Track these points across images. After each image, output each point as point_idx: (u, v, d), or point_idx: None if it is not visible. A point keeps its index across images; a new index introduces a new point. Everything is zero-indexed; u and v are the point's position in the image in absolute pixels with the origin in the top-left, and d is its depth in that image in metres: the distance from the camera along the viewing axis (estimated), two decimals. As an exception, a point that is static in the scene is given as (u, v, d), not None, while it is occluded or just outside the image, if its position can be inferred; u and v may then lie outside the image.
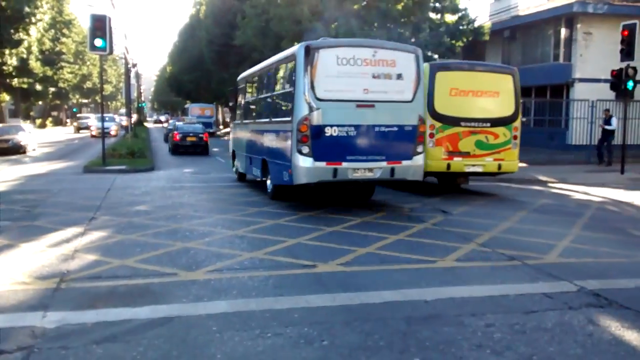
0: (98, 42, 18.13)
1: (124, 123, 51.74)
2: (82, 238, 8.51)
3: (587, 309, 5.56)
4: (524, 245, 8.36)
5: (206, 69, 51.31)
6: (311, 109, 10.27)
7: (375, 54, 10.75)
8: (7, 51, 41.71)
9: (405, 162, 11.01)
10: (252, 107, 14.76)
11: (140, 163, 20.48)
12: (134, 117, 48.66)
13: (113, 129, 44.48)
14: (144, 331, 4.87)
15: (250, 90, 15.25)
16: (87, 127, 51.99)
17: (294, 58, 10.77)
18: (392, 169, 10.87)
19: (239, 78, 16.76)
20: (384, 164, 10.77)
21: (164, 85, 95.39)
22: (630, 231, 9.82)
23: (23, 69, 46.53)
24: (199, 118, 42.85)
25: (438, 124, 13.28)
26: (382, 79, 10.77)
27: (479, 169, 13.55)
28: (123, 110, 78.94)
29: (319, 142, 10.36)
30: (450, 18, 25.47)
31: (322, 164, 10.44)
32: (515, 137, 13.73)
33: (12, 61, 43.42)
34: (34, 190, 13.87)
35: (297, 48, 10.83)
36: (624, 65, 17.51)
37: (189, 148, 27.63)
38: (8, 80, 48.11)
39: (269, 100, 13.08)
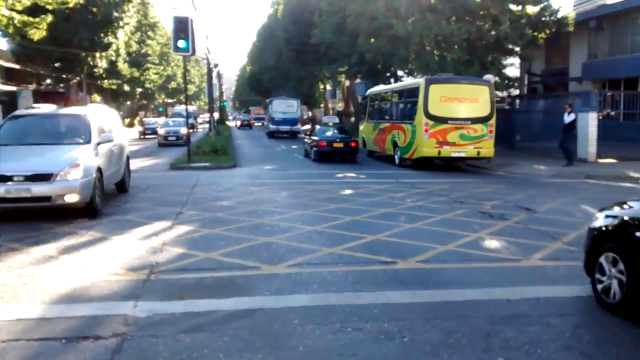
0: (181, 43, 18.77)
1: (183, 130, 31.46)
2: (169, 232, 8.89)
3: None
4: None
5: (284, 68, 52.04)
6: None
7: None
8: (97, 54, 44.01)
9: (294, 127, 41.24)
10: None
11: (223, 160, 21.06)
12: (216, 115, 49.82)
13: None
14: (229, 322, 5.04)
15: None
16: None
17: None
18: (291, 128, 41.16)
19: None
20: (288, 127, 41.04)
21: (244, 85, 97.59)
22: None
23: (112, 70, 48.87)
24: (257, 115, 69.03)
25: (431, 122, 18.16)
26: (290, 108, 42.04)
27: (462, 155, 18.49)
28: (177, 111, 56.53)
29: None
30: (532, 9, 24.45)
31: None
32: (490, 131, 18.37)
33: (102, 63, 45.76)
34: (124, 186, 14.54)
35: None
36: None
37: (245, 127, 61.95)
38: (99, 82, 50.79)
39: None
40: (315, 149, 21.93)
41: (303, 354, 4.39)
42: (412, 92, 19.65)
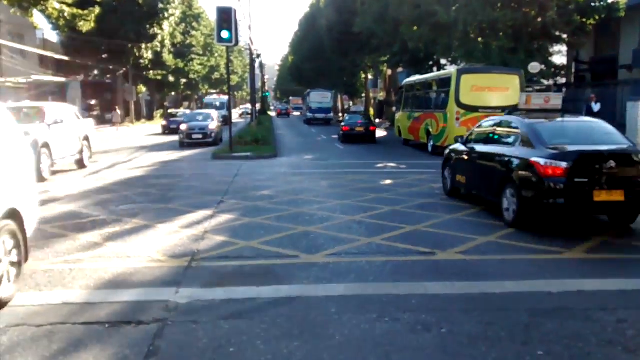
0: (224, 34, 18.92)
1: (212, 126, 25.73)
2: (211, 220, 9.03)
3: None
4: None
5: (326, 57, 51.99)
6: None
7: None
8: (143, 45, 44.89)
9: (328, 115, 48.64)
10: None
11: (264, 150, 21.22)
12: (258, 106, 50.08)
13: None
14: (267, 309, 5.10)
15: None
16: None
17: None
18: (325, 116, 48.11)
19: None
20: (323, 115, 48.38)
21: (286, 75, 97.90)
22: None
23: (157, 61, 49.81)
24: (296, 105, 78.23)
25: (462, 111, 18.88)
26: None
27: None
28: (208, 101, 52.44)
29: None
30: (580, -5, 23.73)
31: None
32: None
33: (148, 55, 46.68)
34: (167, 175, 14.87)
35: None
36: None
37: (283, 115, 71.38)
38: (144, 73, 51.81)
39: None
40: (341, 132, 27.18)
41: (340, 342, 4.40)
42: (445, 82, 20.42)
